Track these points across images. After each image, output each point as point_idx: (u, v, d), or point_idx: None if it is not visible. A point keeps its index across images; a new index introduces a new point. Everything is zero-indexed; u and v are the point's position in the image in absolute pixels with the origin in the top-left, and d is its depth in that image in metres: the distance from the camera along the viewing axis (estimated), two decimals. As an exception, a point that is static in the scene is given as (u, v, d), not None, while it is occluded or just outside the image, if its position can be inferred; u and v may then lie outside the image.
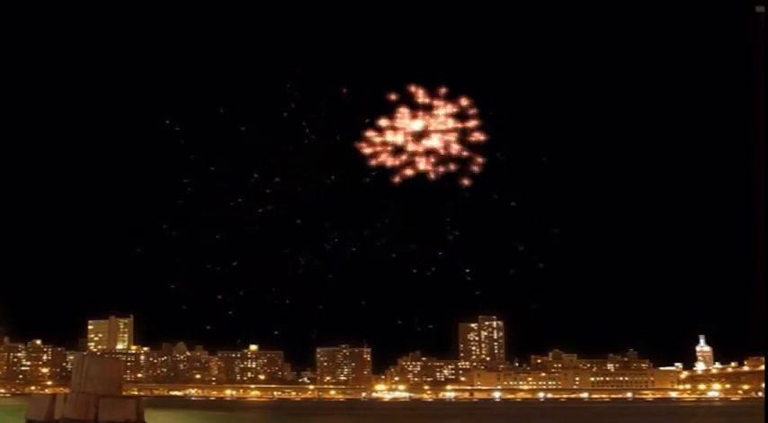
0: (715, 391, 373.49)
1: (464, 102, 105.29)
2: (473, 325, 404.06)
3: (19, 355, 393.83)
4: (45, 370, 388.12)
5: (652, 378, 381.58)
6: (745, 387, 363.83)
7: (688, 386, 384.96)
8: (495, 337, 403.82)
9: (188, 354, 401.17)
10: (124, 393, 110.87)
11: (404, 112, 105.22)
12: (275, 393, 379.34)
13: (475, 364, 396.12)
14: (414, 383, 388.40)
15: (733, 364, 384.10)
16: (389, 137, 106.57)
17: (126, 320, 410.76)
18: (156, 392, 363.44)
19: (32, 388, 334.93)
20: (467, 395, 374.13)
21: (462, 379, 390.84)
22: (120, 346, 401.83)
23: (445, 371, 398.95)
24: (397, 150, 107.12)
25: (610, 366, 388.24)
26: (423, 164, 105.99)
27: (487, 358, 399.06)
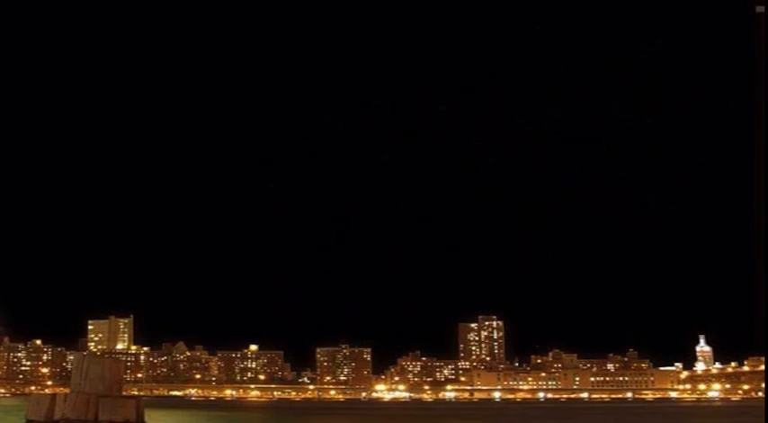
0: (715, 391, 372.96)
1: None
2: (473, 325, 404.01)
3: (19, 355, 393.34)
4: (45, 370, 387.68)
5: (652, 378, 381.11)
6: (745, 387, 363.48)
7: (688, 386, 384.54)
8: (495, 337, 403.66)
9: (188, 354, 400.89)
10: (124, 393, 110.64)
11: None
12: (275, 393, 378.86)
13: (475, 364, 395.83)
14: (414, 383, 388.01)
15: (733, 364, 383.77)
16: None
17: (126, 320, 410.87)
18: (156, 392, 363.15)
19: (32, 388, 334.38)
20: (467, 395, 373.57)
21: (462, 379, 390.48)
22: (120, 346, 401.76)
23: (445, 371, 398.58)
24: None
25: (610, 366, 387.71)
26: None
27: (487, 358, 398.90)
